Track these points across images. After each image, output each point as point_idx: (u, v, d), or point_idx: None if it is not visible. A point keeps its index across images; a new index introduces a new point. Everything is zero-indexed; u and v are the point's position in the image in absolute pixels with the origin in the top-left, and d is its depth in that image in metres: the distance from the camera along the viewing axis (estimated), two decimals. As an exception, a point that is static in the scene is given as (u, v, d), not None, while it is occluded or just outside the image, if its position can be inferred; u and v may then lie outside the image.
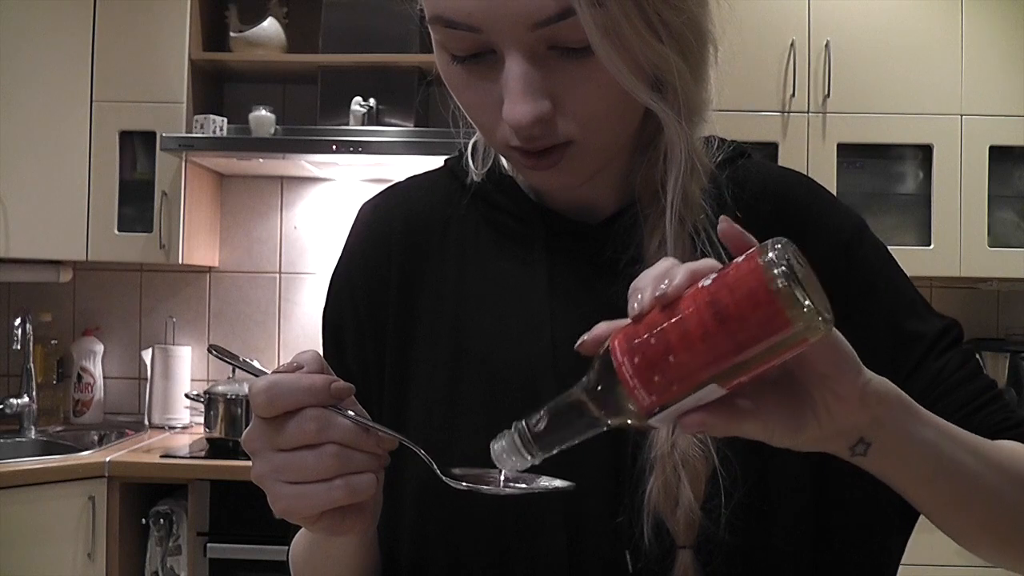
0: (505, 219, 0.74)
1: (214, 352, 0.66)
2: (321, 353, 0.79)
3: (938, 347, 0.70)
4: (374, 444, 0.57)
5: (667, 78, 0.61)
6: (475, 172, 0.75)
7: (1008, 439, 0.64)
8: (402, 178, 0.82)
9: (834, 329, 0.48)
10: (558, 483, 0.57)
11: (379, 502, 0.63)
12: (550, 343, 0.68)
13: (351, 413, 0.57)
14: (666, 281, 0.47)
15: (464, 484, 0.57)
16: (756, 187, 0.72)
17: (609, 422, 0.50)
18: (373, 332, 0.75)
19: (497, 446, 0.53)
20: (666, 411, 0.47)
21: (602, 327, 0.50)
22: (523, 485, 0.57)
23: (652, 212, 0.67)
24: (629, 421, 0.49)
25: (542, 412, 0.52)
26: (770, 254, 0.44)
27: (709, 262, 0.48)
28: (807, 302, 0.43)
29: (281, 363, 0.59)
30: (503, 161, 0.75)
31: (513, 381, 0.68)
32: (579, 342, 0.51)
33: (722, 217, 0.49)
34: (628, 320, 0.49)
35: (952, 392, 0.68)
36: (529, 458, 0.52)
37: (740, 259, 0.46)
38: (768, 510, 0.64)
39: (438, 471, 0.58)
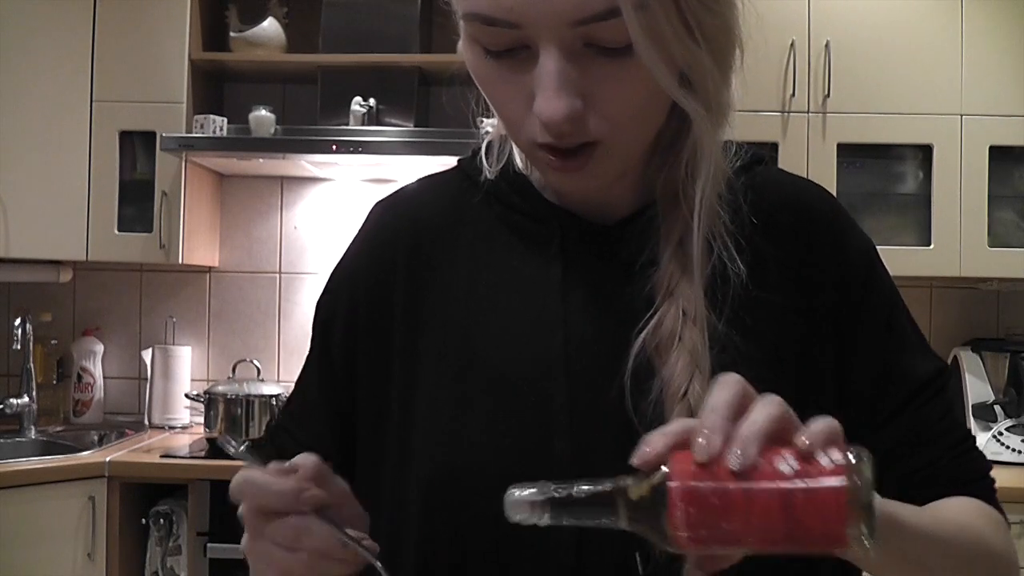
0: (520, 219, 0.74)
1: (223, 444, 0.66)
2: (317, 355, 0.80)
3: (928, 391, 0.72)
4: (350, 556, 0.60)
5: (697, 79, 0.62)
6: (488, 170, 0.75)
7: (965, 493, 0.70)
8: (405, 179, 0.82)
9: None
10: None
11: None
12: (563, 343, 0.68)
13: (332, 525, 0.60)
14: (741, 443, 0.47)
15: None
16: (775, 196, 0.72)
17: (631, 530, 0.50)
18: (372, 334, 0.75)
19: (516, 495, 0.52)
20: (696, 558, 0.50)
21: (660, 442, 0.49)
22: None
23: (670, 215, 0.67)
24: (652, 539, 0.49)
25: (574, 488, 0.51)
26: (856, 479, 0.45)
27: (785, 420, 0.48)
28: (868, 533, 0.44)
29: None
30: (516, 159, 0.75)
31: (523, 381, 0.68)
32: (638, 458, 0.49)
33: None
34: (688, 445, 0.48)
35: (933, 443, 0.71)
36: (537, 520, 0.52)
37: (826, 463, 0.46)
38: None
39: None
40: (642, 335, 0.65)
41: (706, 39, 0.60)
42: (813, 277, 0.70)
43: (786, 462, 0.46)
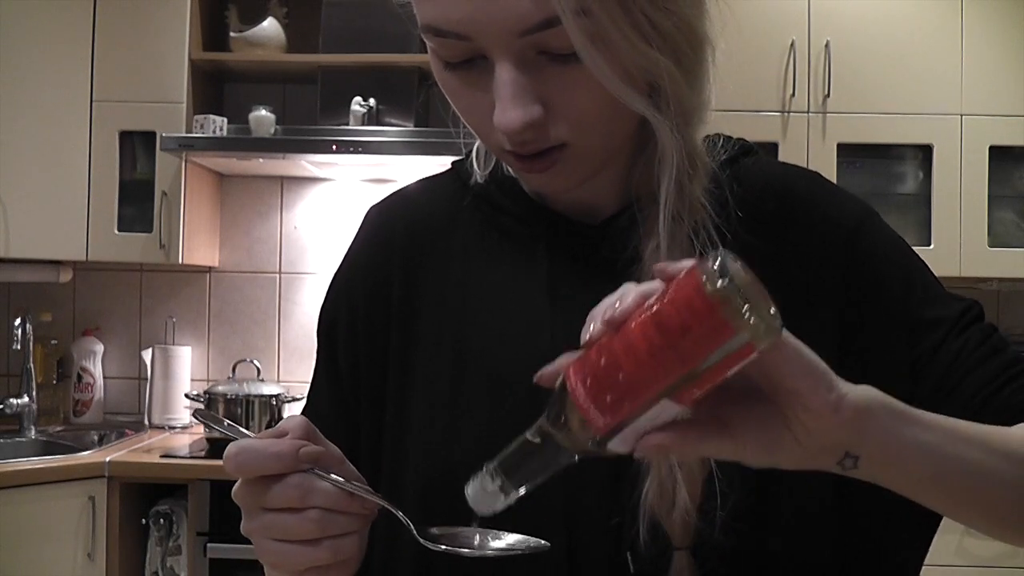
0: (507, 221, 0.74)
1: (199, 418, 0.69)
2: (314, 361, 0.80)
3: (956, 328, 0.67)
4: (358, 507, 0.60)
5: (659, 82, 0.61)
6: (479, 174, 0.76)
7: None
8: (405, 179, 0.82)
9: (799, 343, 0.47)
10: (533, 542, 0.58)
11: (363, 549, 0.64)
12: (550, 343, 0.68)
13: (335, 477, 0.59)
14: (617, 303, 0.47)
15: (443, 546, 0.59)
16: (759, 185, 0.71)
17: (573, 451, 0.50)
18: (370, 335, 0.75)
19: (471, 489, 0.53)
20: (623, 432, 0.47)
21: (561, 359, 0.50)
22: (501, 545, 0.59)
23: (649, 213, 0.67)
24: (590, 446, 0.48)
25: (510, 449, 0.51)
26: (708, 263, 0.44)
27: (659, 283, 0.48)
28: (746, 307, 0.43)
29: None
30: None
31: (514, 381, 0.68)
32: (538, 375, 0.51)
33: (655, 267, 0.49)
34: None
35: (973, 372, 0.65)
36: (503, 497, 0.52)
37: (682, 273, 0.46)
38: (771, 513, 0.64)
39: (415, 532, 0.60)
40: None
41: (664, 41, 0.59)
42: (798, 262, 0.69)
43: (652, 299, 0.46)
